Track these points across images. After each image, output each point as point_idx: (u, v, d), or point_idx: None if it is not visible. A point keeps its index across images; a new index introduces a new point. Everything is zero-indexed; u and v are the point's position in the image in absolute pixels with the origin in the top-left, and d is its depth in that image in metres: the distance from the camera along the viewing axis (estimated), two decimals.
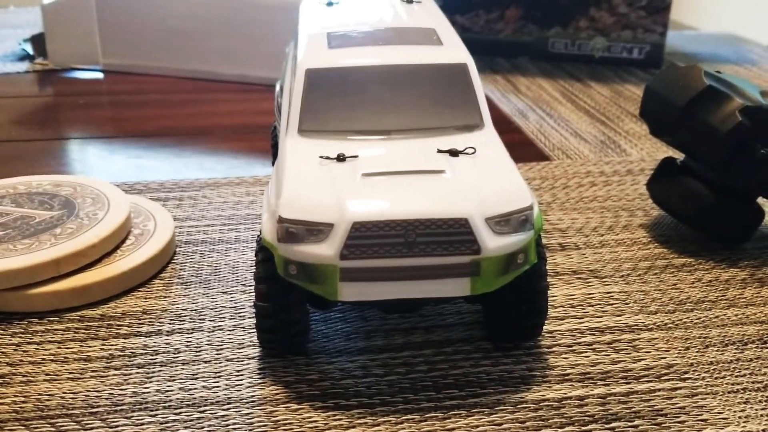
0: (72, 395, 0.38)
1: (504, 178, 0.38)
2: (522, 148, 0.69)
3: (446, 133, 0.42)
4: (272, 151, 0.59)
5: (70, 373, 0.40)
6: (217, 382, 0.39)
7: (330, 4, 0.54)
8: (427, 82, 0.43)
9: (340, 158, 0.39)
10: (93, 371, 0.40)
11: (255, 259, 0.40)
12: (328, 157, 0.39)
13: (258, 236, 0.40)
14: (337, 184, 0.37)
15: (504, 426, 0.36)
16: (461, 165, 0.39)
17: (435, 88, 0.43)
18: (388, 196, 0.37)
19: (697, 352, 0.42)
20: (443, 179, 0.38)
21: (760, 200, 0.52)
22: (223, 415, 0.37)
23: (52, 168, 0.66)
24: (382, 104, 0.43)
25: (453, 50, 0.45)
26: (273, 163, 0.60)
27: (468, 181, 0.37)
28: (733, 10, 1.18)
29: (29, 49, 0.97)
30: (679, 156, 0.54)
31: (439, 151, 0.40)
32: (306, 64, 0.43)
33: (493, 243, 0.36)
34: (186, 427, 0.36)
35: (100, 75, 0.91)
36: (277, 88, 0.57)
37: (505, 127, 0.74)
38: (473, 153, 0.40)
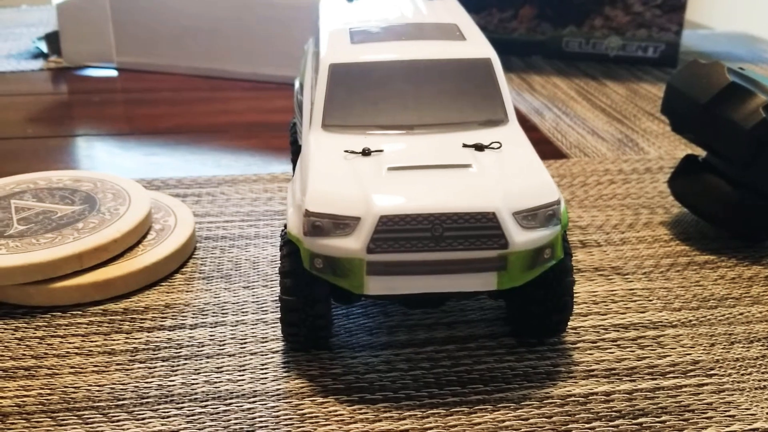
0: (98, 388, 0.38)
1: (531, 173, 0.38)
2: (539, 146, 0.69)
3: (470, 128, 0.42)
4: (291, 149, 0.59)
5: (95, 366, 0.40)
6: (242, 375, 0.39)
7: (350, 0, 0.54)
8: (450, 77, 0.43)
9: (365, 152, 0.39)
10: (118, 364, 0.40)
11: (280, 253, 0.39)
12: (353, 152, 0.39)
13: (282, 230, 0.40)
14: (363, 178, 0.37)
15: (531, 421, 0.36)
16: (487, 159, 0.39)
17: (459, 83, 0.43)
18: (415, 189, 0.36)
19: (722, 348, 0.42)
20: (470, 173, 0.37)
21: None
22: (249, 408, 0.37)
23: (68, 165, 0.66)
24: (406, 99, 0.42)
25: (476, 45, 0.45)
26: (292, 160, 0.60)
27: (495, 175, 0.37)
28: (748, 10, 1.17)
29: (43, 47, 0.98)
30: (699, 153, 0.54)
31: (465, 145, 0.40)
32: (330, 59, 0.43)
33: (520, 237, 0.36)
34: (213, 420, 0.36)
35: (113, 73, 0.92)
36: (296, 85, 0.57)
37: (522, 125, 0.73)
38: (499, 148, 0.40)
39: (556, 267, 0.39)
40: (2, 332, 0.43)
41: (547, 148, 0.69)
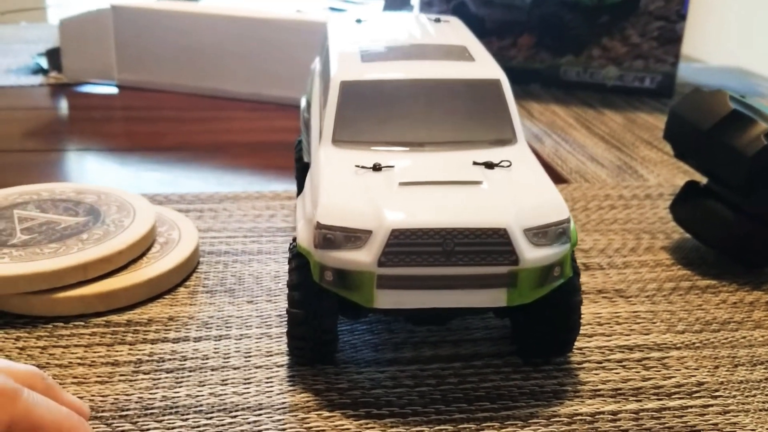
0: (101, 398, 0.38)
1: (541, 191, 0.39)
2: None
3: (480, 146, 0.42)
4: (296, 165, 0.59)
5: (98, 376, 0.39)
6: (248, 388, 0.39)
7: (359, 21, 0.55)
8: (460, 96, 0.44)
9: (376, 168, 0.39)
10: (121, 375, 0.39)
11: (288, 266, 0.39)
12: (363, 167, 0.39)
13: (291, 244, 0.40)
14: (375, 192, 0.37)
15: None
16: (498, 177, 0.39)
17: (468, 103, 0.43)
18: (427, 204, 0.37)
19: (726, 371, 0.42)
20: (481, 190, 0.38)
21: None
22: (255, 421, 0.36)
23: (69, 179, 0.66)
24: (415, 117, 0.43)
25: (486, 66, 0.45)
26: (296, 177, 0.60)
27: (506, 192, 0.38)
28: (741, 44, 1.20)
29: (44, 63, 0.98)
30: (700, 179, 0.55)
31: (475, 163, 0.40)
32: (341, 76, 0.44)
33: (530, 254, 0.36)
34: None
35: (114, 90, 0.92)
36: (303, 103, 0.57)
37: None
38: (509, 166, 0.40)
39: (564, 286, 0.39)
40: (3, 341, 0.42)
41: (547, 173, 0.69)
